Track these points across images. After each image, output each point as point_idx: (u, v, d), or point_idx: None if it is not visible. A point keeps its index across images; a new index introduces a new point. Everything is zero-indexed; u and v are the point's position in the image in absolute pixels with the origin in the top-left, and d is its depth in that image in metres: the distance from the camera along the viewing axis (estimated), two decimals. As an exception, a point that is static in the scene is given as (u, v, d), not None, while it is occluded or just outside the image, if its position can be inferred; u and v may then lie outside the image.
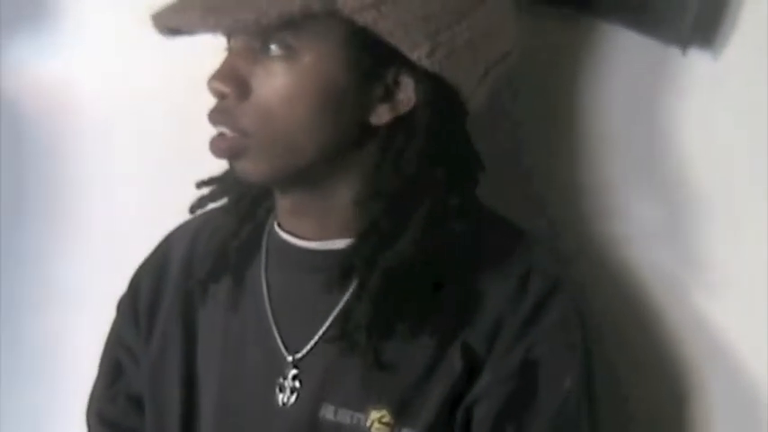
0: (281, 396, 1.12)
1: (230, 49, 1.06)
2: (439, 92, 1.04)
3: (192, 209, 1.20)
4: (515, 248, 1.11)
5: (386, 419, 1.07)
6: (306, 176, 1.07)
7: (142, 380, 1.21)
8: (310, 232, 1.11)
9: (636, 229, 1.20)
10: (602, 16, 1.17)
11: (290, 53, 1.01)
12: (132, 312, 1.23)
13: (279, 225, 1.14)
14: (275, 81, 1.02)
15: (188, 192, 1.20)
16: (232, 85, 1.03)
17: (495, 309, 1.07)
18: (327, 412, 1.09)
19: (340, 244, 1.09)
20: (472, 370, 1.07)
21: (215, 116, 1.05)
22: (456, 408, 1.07)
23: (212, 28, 1.01)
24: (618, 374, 1.20)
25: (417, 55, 1.02)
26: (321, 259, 1.11)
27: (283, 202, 1.13)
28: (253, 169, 1.06)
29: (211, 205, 1.20)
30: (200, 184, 1.20)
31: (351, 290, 1.09)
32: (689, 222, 1.17)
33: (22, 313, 1.80)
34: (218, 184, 1.20)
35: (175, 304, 1.20)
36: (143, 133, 1.59)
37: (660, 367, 1.20)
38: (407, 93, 1.04)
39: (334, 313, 1.10)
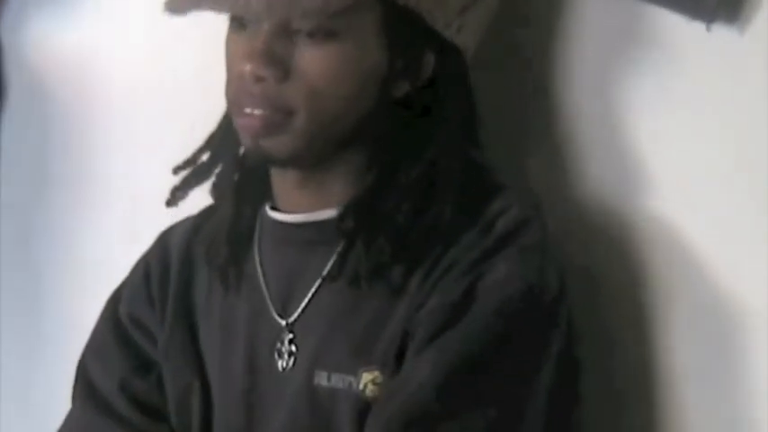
0: (280, 362, 1.13)
1: (257, 30, 1.05)
2: (455, 60, 1.10)
3: (173, 193, 1.19)
4: (492, 199, 1.10)
5: (379, 380, 1.08)
6: (328, 150, 1.09)
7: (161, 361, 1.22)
8: (302, 206, 1.13)
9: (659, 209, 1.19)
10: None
11: (332, 35, 1.04)
12: (147, 295, 1.23)
13: (270, 207, 1.16)
14: (321, 63, 1.05)
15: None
16: (273, 68, 1.05)
17: (456, 251, 1.07)
18: (321, 379, 1.10)
19: (327, 214, 1.11)
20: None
21: (251, 100, 1.06)
22: None
23: (276, 16, 1.02)
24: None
25: (449, 33, 1.08)
26: (311, 231, 1.13)
27: (284, 180, 1.14)
28: (287, 145, 1.07)
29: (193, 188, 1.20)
30: (176, 169, 1.19)
31: (336, 253, 1.11)
32: (711, 197, 1.15)
33: (48, 286, 1.81)
34: (197, 167, 1.19)
35: (177, 292, 1.21)
36: (168, 104, 1.59)
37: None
38: (428, 66, 1.09)
39: (324, 273, 1.12)
